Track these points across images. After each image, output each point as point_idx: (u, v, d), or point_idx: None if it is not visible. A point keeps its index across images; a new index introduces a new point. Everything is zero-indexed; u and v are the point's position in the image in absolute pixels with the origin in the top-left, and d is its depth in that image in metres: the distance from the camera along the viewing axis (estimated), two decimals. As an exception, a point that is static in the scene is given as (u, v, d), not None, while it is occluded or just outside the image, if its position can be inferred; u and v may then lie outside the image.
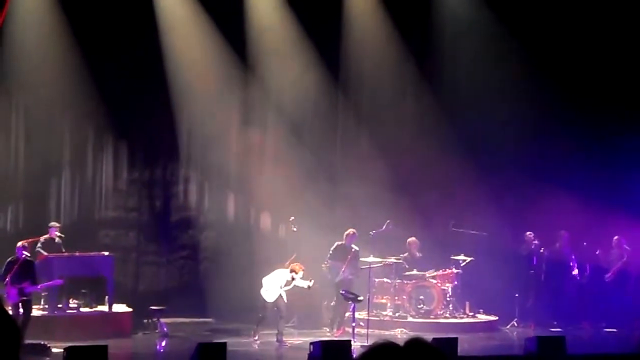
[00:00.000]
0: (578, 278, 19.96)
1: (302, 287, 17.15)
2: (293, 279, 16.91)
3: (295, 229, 19.06)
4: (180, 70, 19.85)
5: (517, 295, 19.80)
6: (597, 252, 20.12)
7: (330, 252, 18.52)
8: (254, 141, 20.51)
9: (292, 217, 19.14)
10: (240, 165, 20.44)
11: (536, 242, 20.03)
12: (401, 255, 19.58)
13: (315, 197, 19.81)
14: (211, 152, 20.35)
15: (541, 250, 19.91)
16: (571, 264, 19.96)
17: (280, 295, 16.88)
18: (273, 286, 16.89)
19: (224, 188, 20.58)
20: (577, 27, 20.64)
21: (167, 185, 20.54)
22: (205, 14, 19.91)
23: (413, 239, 19.79)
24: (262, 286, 16.99)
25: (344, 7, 20.82)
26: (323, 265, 18.69)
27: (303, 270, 17.07)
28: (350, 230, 18.49)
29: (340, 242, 18.51)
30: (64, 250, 17.75)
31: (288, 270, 17.01)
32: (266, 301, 16.91)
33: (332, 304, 18.73)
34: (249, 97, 20.49)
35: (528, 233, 20.09)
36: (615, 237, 20.04)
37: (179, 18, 19.93)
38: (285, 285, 16.98)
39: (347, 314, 17.96)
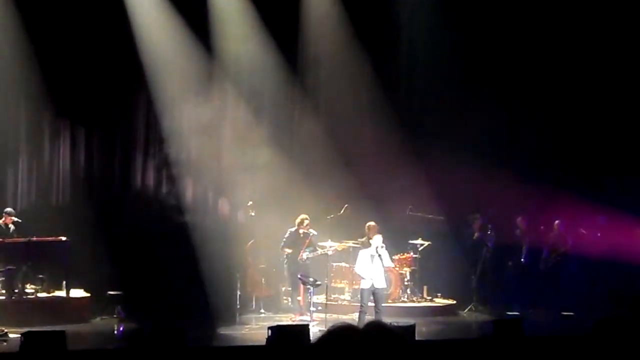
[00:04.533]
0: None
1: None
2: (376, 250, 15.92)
3: (253, 214, 19.06)
4: (139, 53, 19.67)
5: (473, 278, 19.99)
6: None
7: (284, 239, 18.50)
8: (213, 126, 20.43)
9: (250, 202, 19.12)
10: (199, 149, 20.35)
11: (490, 229, 20.15)
12: (359, 239, 19.64)
13: (272, 181, 19.80)
14: (169, 136, 20.25)
15: (489, 232, 19.99)
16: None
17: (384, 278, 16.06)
18: (374, 269, 15.86)
19: (183, 172, 20.47)
20: (531, 19, 20.84)
21: (124, 170, 20.39)
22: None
23: (372, 223, 19.82)
24: (362, 278, 16.02)
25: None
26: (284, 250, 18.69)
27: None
28: (304, 218, 18.46)
29: (292, 229, 18.50)
30: (16, 236, 17.60)
31: (369, 242, 16.20)
32: (377, 288, 15.87)
33: (288, 288, 18.80)
34: (209, 81, 20.39)
35: (474, 215, 20.16)
36: (556, 222, 20.28)
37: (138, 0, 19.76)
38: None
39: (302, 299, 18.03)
